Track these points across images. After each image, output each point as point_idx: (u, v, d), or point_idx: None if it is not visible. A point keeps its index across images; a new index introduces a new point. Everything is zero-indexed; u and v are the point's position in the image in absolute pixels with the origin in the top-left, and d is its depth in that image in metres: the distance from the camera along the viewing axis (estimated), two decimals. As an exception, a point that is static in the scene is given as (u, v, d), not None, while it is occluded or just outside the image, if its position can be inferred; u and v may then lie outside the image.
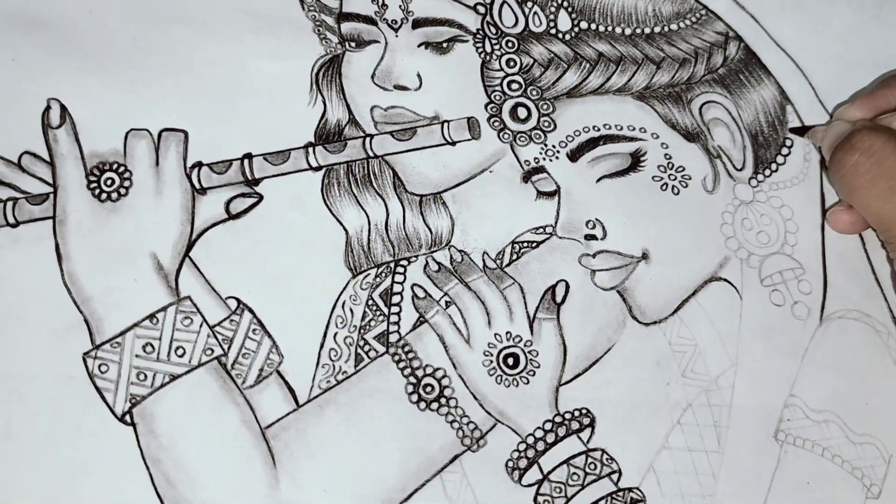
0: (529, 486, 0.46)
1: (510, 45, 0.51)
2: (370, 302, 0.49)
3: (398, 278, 0.49)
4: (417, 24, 0.51)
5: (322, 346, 0.47)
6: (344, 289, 0.48)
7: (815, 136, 0.50)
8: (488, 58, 0.51)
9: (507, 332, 0.48)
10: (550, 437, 0.46)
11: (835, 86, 0.52)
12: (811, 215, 0.51)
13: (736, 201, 0.50)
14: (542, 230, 0.50)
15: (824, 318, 0.49)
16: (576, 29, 0.51)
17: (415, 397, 0.46)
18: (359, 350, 0.48)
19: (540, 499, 0.46)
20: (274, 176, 0.49)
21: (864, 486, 0.47)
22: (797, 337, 0.49)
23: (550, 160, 0.50)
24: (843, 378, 0.48)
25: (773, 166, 0.51)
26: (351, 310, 0.48)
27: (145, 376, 0.45)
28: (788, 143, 0.52)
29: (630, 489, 0.46)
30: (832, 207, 0.50)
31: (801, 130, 0.51)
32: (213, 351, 0.46)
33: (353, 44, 0.51)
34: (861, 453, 0.47)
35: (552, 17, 0.51)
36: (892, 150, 0.45)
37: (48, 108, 0.48)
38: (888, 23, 0.54)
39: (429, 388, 0.47)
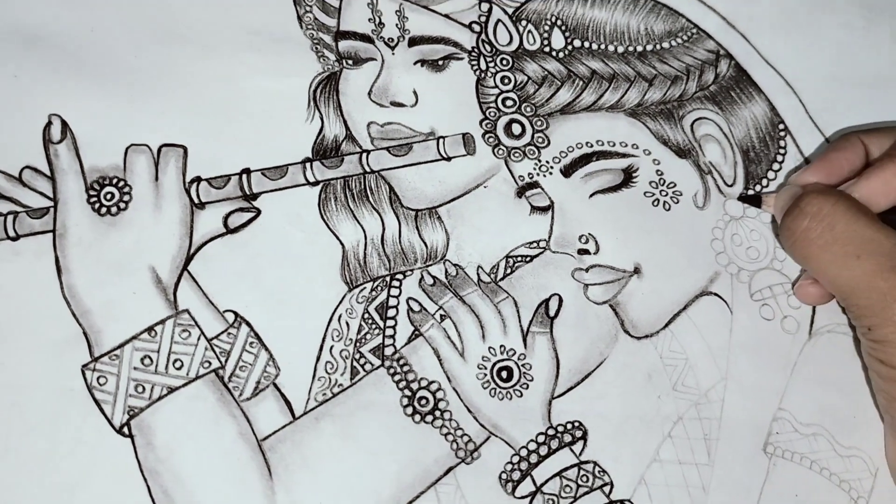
0: (523, 498, 0.46)
1: (504, 62, 0.51)
2: (366, 315, 0.49)
3: (394, 292, 0.49)
4: (413, 42, 0.51)
5: (318, 358, 0.48)
6: (340, 302, 0.49)
7: (768, 202, 0.50)
8: (483, 75, 0.52)
9: (501, 346, 0.48)
10: (543, 450, 0.47)
11: (825, 103, 0.53)
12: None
13: (726, 217, 0.51)
14: (535, 245, 0.50)
15: (813, 333, 0.50)
16: (569, 47, 0.51)
17: (410, 410, 0.47)
18: (354, 363, 0.48)
19: (533, 511, 0.46)
20: (272, 191, 0.49)
21: (851, 499, 0.47)
22: (786, 351, 0.49)
23: (544, 176, 0.51)
24: (832, 392, 0.49)
25: (764, 182, 0.52)
26: (347, 323, 0.49)
27: (143, 388, 0.45)
28: (780, 158, 0.52)
29: (622, 501, 0.46)
30: (798, 280, 0.49)
31: (754, 199, 0.51)
32: (210, 364, 0.46)
33: (350, 61, 0.52)
34: (848, 466, 0.47)
35: (546, 35, 0.52)
36: (843, 212, 0.44)
37: (49, 123, 0.49)
38: (876, 41, 0.55)
39: (423, 401, 0.47)
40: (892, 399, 0.44)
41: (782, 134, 0.53)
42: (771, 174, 0.52)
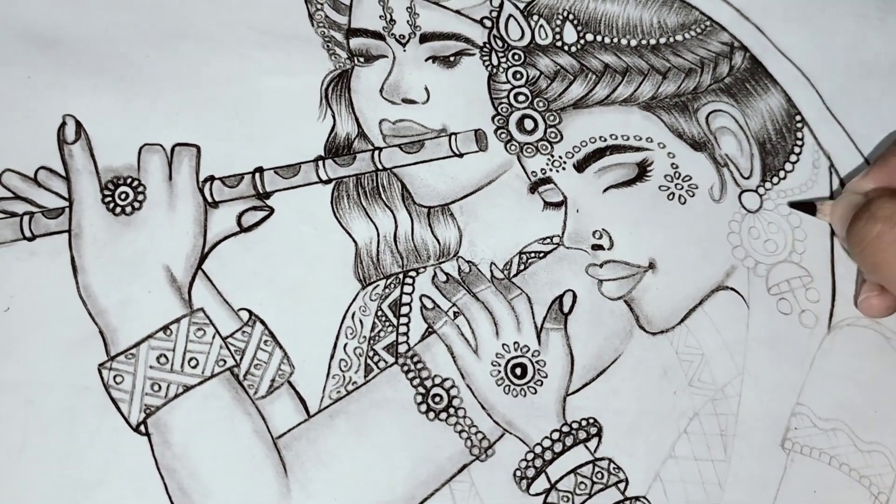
0: (537, 495, 0.46)
1: (516, 57, 0.51)
2: (379, 313, 0.49)
3: (407, 289, 0.50)
4: (425, 38, 0.51)
5: (332, 356, 0.48)
6: (353, 300, 0.49)
7: (824, 210, 0.49)
8: (495, 70, 0.51)
9: (515, 343, 0.48)
10: (558, 447, 0.46)
11: (841, 93, 0.53)
12: (820, 222, 0.51)
13: (743, 210, 0.51)
14: (549, 240, 0.50)
15: (832, 326, 0.49)
16: (581, 41, 0.51)
17: (424, 407, 0.47)
18: (368, 360, 0.48)
19: (547, 508, 0.46)
20: (285, 189, 0.50)
21: (871, 495, 0.47)
22: (805, 345, 0.49)
23: (557, 171, 0.50)
24: (852, 386, 0.48)
25: (781, 174, 0.51)
26: (360, 321, 0.49)
27: (159, 387, 0.46)
28: (797, 150, 0.52)
29: (637, 498, 0.46)
30: (862, 293, 0.48)
31: (808, 206, 0.50)
32: (225, 362, 0.47)
33: (361, 59, 0.52)
34: (869, 461, 0.47)
35: (558, 29, 0.51)
36: None
37: (63, 124, 0.49)
38: (891, 31, 0.54)
39: (437, 399, 0.47)
40: None
41: (799, 125, 0.52)
42: (788, 166, 0.51)
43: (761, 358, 0.48)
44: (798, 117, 0.52)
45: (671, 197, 0.50)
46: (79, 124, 0.49)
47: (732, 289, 0.50)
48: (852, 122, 0.52)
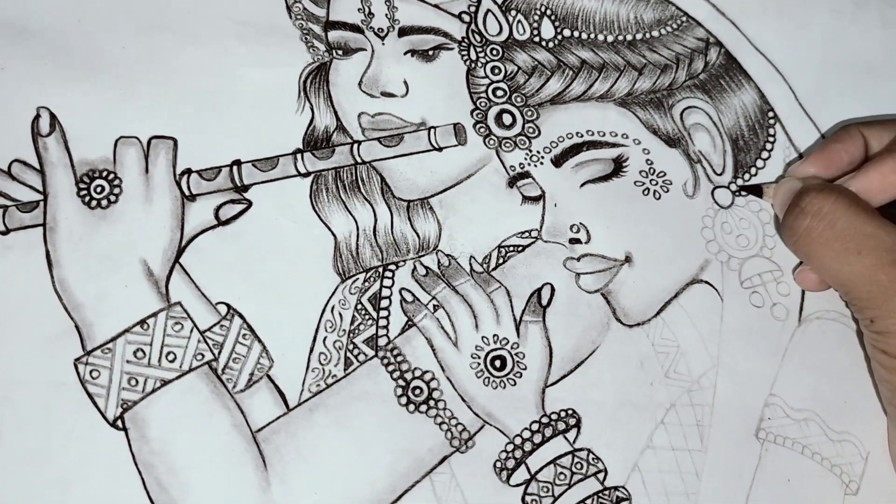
0: (517, 486, 0.46)
1: (494, 52, 0.51)
2: (359, 306, 0.49)
3: (386, 283, 0.50)
4: (403, 32, 0.51)
5: (312, 350, 0.48)
6: (333, 293, 0.49)
7: (769, 192, 0.51)
8: (473, 65, 0.52)
9: (494, 335, 0.48)
10: (537, 438, 0.47)
11: (815, 89, 0.53)
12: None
13: (716, 205, 0.51)
14: (527, 234, 0.50)
15: (803, 319, 0.50)
16: (559, 37, 0.52)
17: (404, 400, 0.47)
18: (348, 354, 0.48)
19: (528, 498, 0.46)
20: (263, 182, 0.49)
21: (842, 483, 0.48)
22: (777, 337, 0.50)
23: (535, 166, 0.51)
24: (822, 377, 0.49)
25: (753, 170, 0.52)
26: (340, 314, 0.49)
27: (136, 382, 0.45)
28: (769, 146, 0.52)
29: (616, 488, 0.47)
30: (799, 267, 0.50)
31: (755, 189, 0.51)
32: (203, 356, 0.46)
33: (340, 51, 0.52)
34: (840, 451, 0.48)
35: (536, 25, 0.52)
36: (843, 209, 0.44)
37: (38, 116, 0.49)
38: (865, 28, 0.55)
39: (417, 391, 0.47)
40: None
41: (772, 122, 0.53)
42: (760, 162, 0.52)
43: (735, 350, 0.49)
44: (771, 113, 0.53)
45: (646, 192, 0.51)
46: (53, 116, 0.49)
47: (706, 282, 0.50)
48: (824, 118, 0.53)
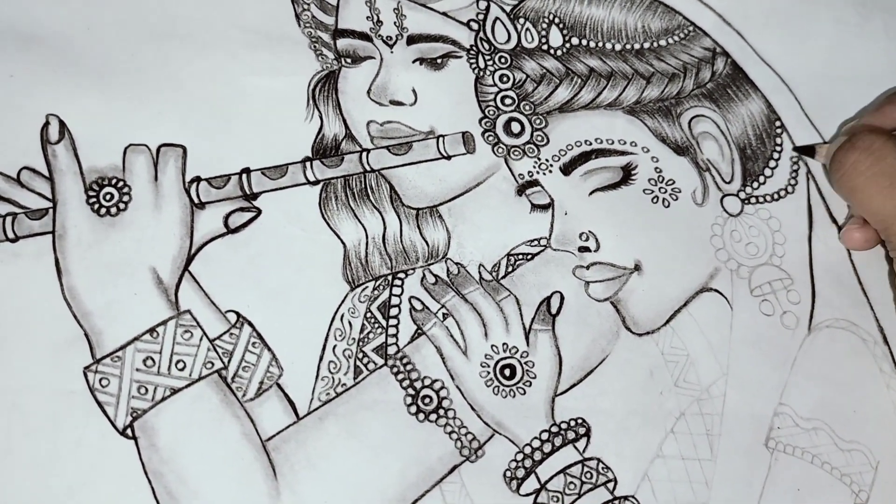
0: (527, 495, 0.46)
1: (503, 60, 0.52)
2: (368, 314, 0.49)
3: (396, 291, 0.49)
4: (412, 40, 0.51)
5: (321, 358, 0.48)
6: (342, 302, 0.49)
7: (821, 152, 0.51)
8: (482, 73, 0.52)
9: (504, 344, 0.48)
10: (547, 447, 0.47)
11: (819, 99, 0.54)
12: (798, 227, 0.52)
13: (725, 213, 0.51)
14: (536, 242, 0.50)
15: (813, 328, 0.50)
16: (567, 45, 0.52)
17: (413, 409, 0.47)
18: (357, 362, 0.48)
19: (538, 508, 0.46)
20: (272, 190, 0.49)
21: (852, 493, 0.48)
22: (786, 346, 0.50)
23: (544, 174, 0.51)
24: (832, 386, 0.49)
25: (762, 179, 0.52)
26: (349, 322, 0.49)
27: (146, 390, 0.45)
28: (776, 155, 0.53)
29: (625, 497, 0.47)
30: (845, 225, 0.51)
31: (807, 149, 0.52)
32: (213, 364, 0.46)
33: (349, 60, 0.52)
34: (849, 460, 0.48)
35: (544, 33, 0.52)
36: (892, 148, 0.46)
37: (47, 123, 0.49)
38: (870, 37, 0.55)
39: (427, 400, 0.47)
40: None
41: (779, 131, 0.53)
42: (768, 171, 0.52)
43: (745, 358, 0.49)
44: (778, 123, 0.53)
45: (655, 200, 0.51)
46: (62, 124, 0.49)
47: (716, 290, 0.50)
48: (830, 128, 0.53)
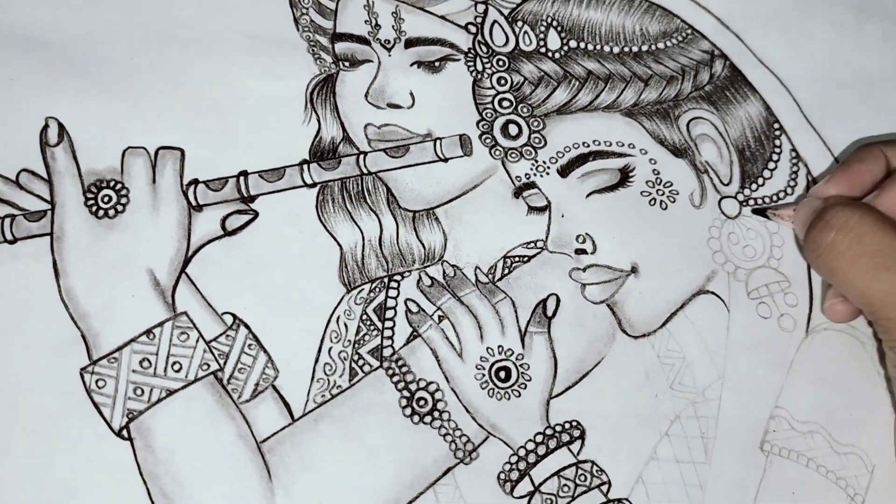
0: (521, 497, 0.46)
1: (501, 63, 0.52)
2: (364, 317, 0.49)
3: (392, 293, 0.50)
4: (410, 43, 0.52)
5: (317, 360, 0.48)
6: (338, 304, 0.49)
7: (780, 216, 0.50)
8: (479, 76, 0.52)
9: (499, 346, 0.48)
10: (541, 450, 0.47)
11: (818, 102, 0.54)
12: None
13: (722, 216, 0.51)
14: (533, 245, 0.50)
15: (810, 331, 0.50)
16: (565, 48, 0.52)
17: (408, 411, 0.47)
18: (353, 364, 0.48)
19: (531, 510, 0.46)
20: (269, 193, 0.50)
21: (848, 496, 0.47)
22: (783, 349, 0.49)
23: (541, 176, 0.51)
24: (828, 389, 0.49)
25: (760, 181, 0.52)
26: (345, 324, 0.49)
27: (142, 391, 0.45)
28: (775, 157, 0.52)
29: (619, 500, 0.47)
30: (827, 299, 0.49)
31: (760, 212, 0.51)
32: (209, 366, 0.46)
33: (346, 63, 0.52)
34: (845, 463, 0.48)
35: (542, 36, 0.52)
36: (870, 224, 0.43)
37: (46, 126, 0.49)
38: (868, 41, 0.55)
39: (422, 402, 0.47)
40: None
41: (777, 133, 0.53)
42: (767, 173, 0.52)
43: (741, 361, 0.49)
44: (776, 125, 0.53)
45: (653, 202, 0.51)
46: (61, 126, 0.49)
47: (713, 293, 0.50)
48: (829, 130, 0.53)
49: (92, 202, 0.48)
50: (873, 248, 0.43)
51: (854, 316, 0.48)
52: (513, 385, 0.48)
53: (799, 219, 0.48)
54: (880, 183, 0.47)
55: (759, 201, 0.52)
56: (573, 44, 0.52)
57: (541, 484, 0.46)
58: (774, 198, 0.52)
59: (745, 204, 0.51)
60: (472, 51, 0.52)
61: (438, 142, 0.51)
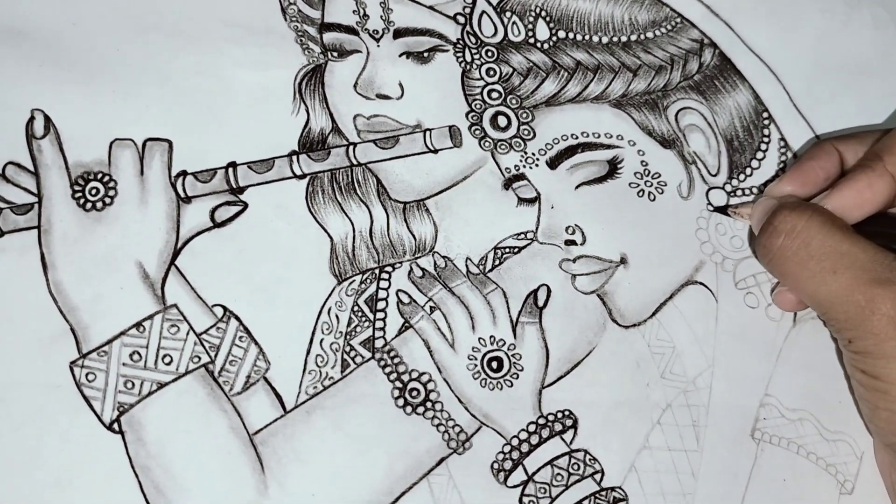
0: (515, 487, 0.47)
1: (490, 54, 0.52)
2: (355, 308, 0.49)
3: (383, 284, 0.50)
4: (398, 34, 0.51)
5: (308, 352, 0.48)
6: (329, 295, 0.49)
7: (740, 214, 0.50)
8: (468, 67, 0.52)
9: (491, 336, 0.48)
10: (534, 439, 0.47)
11: (808, 90, 0.54)
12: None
13: (710, 207, 0.51)
14: (523, 236, 0.50)
15: (798, 320, 0.50)
16: (554, 38, 0.52)
17: (401, 402, 0.47)
18: (345, 356, 0.48)
19: (525, 499, 0.46)
20: (258, 184, 0.49)
21: (837, 482, 0.48)
22: (771, 338, 0.50)
23: (530, 167, 0.51)
24: (817, 377, 0.49)
25: (748, 171, 0.52)
26: (336, 316, 0.49)
27: (133, 384, 0.45)
28: (763, 146, 0.53)
29: (612, 489, 0.47)
30: (776, 289, 0.49)
31: (721, 210, 0.51)
32: (200, 358, 0.46)
33: (335, 53, 0.52)
34: (835, 450, 0.48)
35: (531, 26, 0.52)
36: (817, 228, 0.43)
37: (32, 118, 0.48)
38: (857, 28, 0.55)
39: (414, 393, 0.47)
40: (876, 409, 0.44)
41: (766, 122, 0.53)
42: (755, 163, 0.52)
43: (730, 350, 0.49)
44: (765, 114, 0.53)
45: (641, 194, 0.51)
46: (48, 118, 0.48)
47: (701, 283, 0.50)
48: (818, 118, 0.53)
49: (79, 195, 0.47)
50: (820, 252, 0.43)
51: (802, 306, 0.49)
52: (505, 375, 0.48)
53: (754, 217, 0.48)
54: (835, 180, 0.47)
55: (747, 192, 0.52)
56: (562, 34, 0.52)
57: (534, 473, 0.46)
58: (762, 187, 0.52)
59: (732, 195, 0.52)
60: (461, 41, 0.52)
61: (428, 133, 0.51)
